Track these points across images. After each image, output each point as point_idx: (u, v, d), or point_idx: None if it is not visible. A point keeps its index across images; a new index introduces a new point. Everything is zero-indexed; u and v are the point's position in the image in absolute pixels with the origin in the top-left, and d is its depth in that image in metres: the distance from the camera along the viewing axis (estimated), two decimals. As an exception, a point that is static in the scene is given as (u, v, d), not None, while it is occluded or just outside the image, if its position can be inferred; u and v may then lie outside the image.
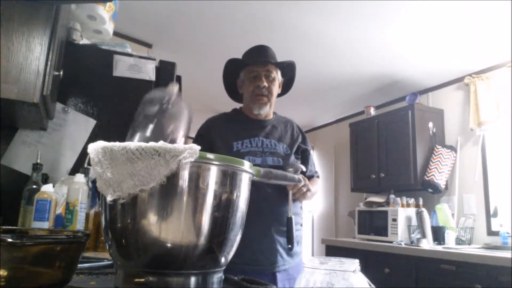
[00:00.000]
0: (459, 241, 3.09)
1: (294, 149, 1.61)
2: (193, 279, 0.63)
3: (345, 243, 3.63)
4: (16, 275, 0.51)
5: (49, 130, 1.67)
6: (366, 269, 2.98)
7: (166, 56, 2.29)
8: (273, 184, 1.37)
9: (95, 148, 0.65)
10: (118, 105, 1.79)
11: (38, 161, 1.46)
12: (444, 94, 3.68)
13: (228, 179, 0.66)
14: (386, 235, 3.32)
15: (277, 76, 1.62)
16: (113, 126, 1.76)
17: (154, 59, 1.88)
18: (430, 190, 3.37)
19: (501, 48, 2.95)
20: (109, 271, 0.78)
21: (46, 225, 1.30)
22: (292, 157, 1.57)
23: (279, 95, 1.71)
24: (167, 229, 0.61)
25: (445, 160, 3.36)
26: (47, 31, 1.26)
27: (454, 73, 3.48)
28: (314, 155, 5.22)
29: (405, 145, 3.48)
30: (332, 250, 3.77)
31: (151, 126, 0.90)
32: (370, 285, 0.67)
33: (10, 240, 0.49)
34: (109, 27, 1.93)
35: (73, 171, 1.57)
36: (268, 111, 1.63)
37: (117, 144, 0.62)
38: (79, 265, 0.74)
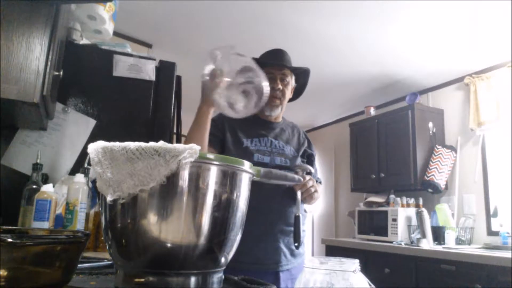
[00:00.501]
0: (459, 241, 3.09)
1: (301, 153, 1.64)
2: (193, 279, 0.63)
3: (345, 243, 3.63)
4: (16, 275, 0.51)
5: (49, 130, 1.67)
6: (366, 269, 2.99)
7: (166, 56, 2.29)
8: (275, 184, 1.38)
9: (95, 148, 0.65)
10: (118, 105, 1.80)
11: (38, 161, 1.46)
12: (444, 94, 3.69)
13: (228, 179, 0.66)
14: (386, 235, 3.32)
15: (291, 81, 1.64)
16: (113, 126, 1.76)
17: (154, 59, 1.88)
18: (430, 190, 3.37)
19: (501, 48, 2.95)
20: (109, 271, 0.78)
21: (46, 225, 1.30)
22: (299, 159, 1.61)
23: (289, 100, 1.73)
24: (167, 229, 0.61)
25: (445, 160, 3.36)
26: (47, 31, 1.27)
27: (454, 73, 3.48)
28: (314, 155, 5.21)
29: (405, 145, 3.48)
30: (332, 250, 3.77)
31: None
32: (370, 285, 0.67)
33: (10, 240, 0.49)
34: (109, 27, 1.93)
35: (73, 171, 1.57)
36: (278, 114, 1.66)
37: (117, 144, 0.62)
38: (79, 265, 0.74)
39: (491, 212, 3.11)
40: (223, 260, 0.67)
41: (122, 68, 1.80)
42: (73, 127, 1.70)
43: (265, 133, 1.61)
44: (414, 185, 3.39)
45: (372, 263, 3.17)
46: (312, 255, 4.99)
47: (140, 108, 1.83)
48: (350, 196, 4.53)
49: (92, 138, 1.68)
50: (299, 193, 1.43)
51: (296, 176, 0.94)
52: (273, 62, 1.62)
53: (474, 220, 3.19)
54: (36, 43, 1.24)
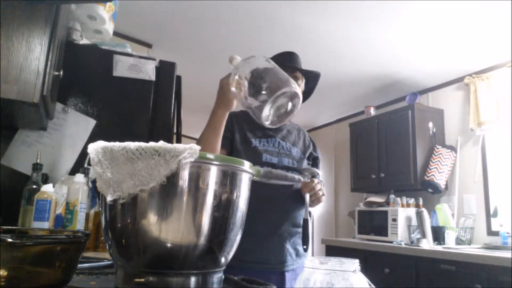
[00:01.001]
0: (459, 241, 3.09)
1: (307, 155, 1.65)
2: (193, 279, 0.63)
3: (345, 243, 3.63)
4: (16, 275, 0.51)
5: (49, 130, 1.67)
6: (366, 269, 2.99)
7: (166, 56, 2.29)
8: (282, 184, 1.39)
9: (95, 148, 0.65)
10: (118, 105, 1.80)
11: (38, 161, 1.46)
12: (444, 94, 3.68)
13: (228, 179, 0.66)
14: (386, 235, 3.32)
15: (302, 84, 1.65)
16: (113, 126, 1.76)
17: (154, 59, 1.88)
18: (430, 190, 3.37)
19: (501, 48, 2.95)
20: (109, 271, 0.78)
21: (46, 225, 1.30)
22: (305, 161, 1.62)
23: None
24: (167, 229, 0.61)
25: (445, 160, 3.36)
26: (47, 31, 1.26)
27: (454, 73, 3.48)
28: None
29: (405, 145, 3.48)
30: (332, 250, 3.77)
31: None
32: (370, 285, 0.67)
33: (10, 240, 0.49)
34: (109, 27, 1.93)
35: (73, 171, 1.57)
36: None
37: (117, 144, 0.62)
38: (79, 265, 0.74)
39: (491, 212, 3.11)
40: (223, 260, 0.67)
41: (122, 68, 1.80)
42: (73, 127, 1.70)
43: (272, 134, 1.62)
44: (414, 185, 3.39)
45: (372, 263, 3.17)
46: (312, 255, 4.99)
47: (140, 108, 1.83)
48: (350, 196, 4.53)
49: (92, 138, 1.68)
50: (307, 196, 1.44)
51: (296, 176, 0.94)
52: (286, 64, 1.61)
53: (474, 220, 3.19)
54: (36, 43, 1.24)
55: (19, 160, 1.60)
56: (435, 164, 3.35)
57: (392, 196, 3.49)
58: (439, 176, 3.32)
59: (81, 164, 1.55)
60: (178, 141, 2.20)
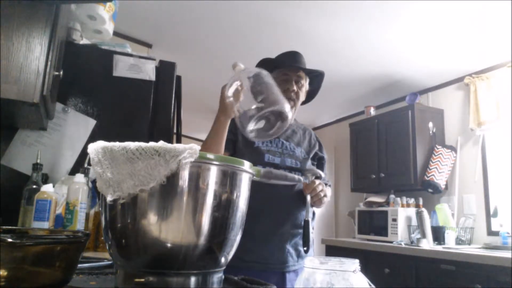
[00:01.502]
0: (459, 241, 3.09)
1: (311, 155, 1.64)
2: (193, 279, 0.63)
3: (345, 243, 3.63)
4: (16, 275, 0.51)
5: (49, 130, 1.67)
6: (366, 269, 2.98)
7: (166, 56, 2.29)
8: (284, 185, 1.39)
9: (95, 148, 0.65)
10: (118, 105, 1.80)
11: (38, 161, 1.46)
12: (444, 94, 3.68)
13: (228, 179, 0.66)
14: (386, 235, 3.32)
15: (306, 84, 1.64)
16: (113, 126, 1.76)
17: (154, 59, 1.88)
18: (430, 190, 3.37)
19: (501, 48, 2.95)
20: (109, 271, 0.78)
21: (46, 225, 1.30)
22: (309, 162, 1.61)
23: (302, 103, 1.73)
24: (167, 229, 0.61)
25: (445, 160, 3.36)
26: (47, 31, 1.27)
27: (454, 73, 3.48)
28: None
29: (405, 145, 3.48)
30: (332, 250, 3.77)
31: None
32: (370, 285, 0.67)
33: (10, 240, 0.49)
34: (109, 27, 1.93)
35: (73, 171, 1.57)
36: (293, 115, 1.65)
37: (117, 144, 0.62)
38: (79, 265, 0.74)
39: (491, 212, 3.11)
40: (223, 260, 0.67)
41: (122, 68, 1.80)
42: (73, 127, 1.70)
43: None
44: (414, 185, 3.39)
45: (372, 263, 3.17)
46: (312, 255, 4.99)
47: (140, 108, 1.83)
48: (350, 196, 4.53)
49: (92, 138, 1.68)
50: (308, 197, 1.44)
51: (296, 177, 0.94)
52: (290, 63, 1.61)
53: (474, 220, 3.19)
54: (36, 43, 1.24)
55: (19, 160, 1.60)
56: (435, 164, 3.35)
57: (392, 196, 3.49)
58: (439, 176, 3.32)
59: (81, 164, 1.55)
60: (178, 141, 2.20)
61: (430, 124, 3.54)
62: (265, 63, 1.66)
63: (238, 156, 1.48)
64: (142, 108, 1.83)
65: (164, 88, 1.90)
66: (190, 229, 0.62)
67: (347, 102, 4.44)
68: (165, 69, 1.92)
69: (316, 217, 5.19)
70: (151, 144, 0.60)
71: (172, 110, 1.93)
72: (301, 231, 1.50)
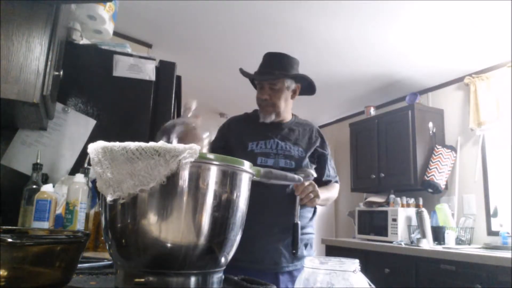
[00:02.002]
0: (459, 241, 3.09)
1: (310, 153, 1.61)
2: (193, 279, 0.63)
3: (345, 243, 3.63)
4: (16, 275, 0.51)
5: (49, 130, 1.67)
6: (366, 269, 2.98)
7: (166, 56, 2.29)
8: (280, 184, 1.38)
9: (95, 148, 0.65)
10: (118, 105, 1.80)
11: (38, 161, 1.46)
12: (444, 94, 3.68)
13: (228, 179, 0.66)
14: (386, 235, 3.32)
15: (285, 85, 1.60)
16: (113, 126, 1.76)
17: (154, 59, 1.88)
18: (430, 190, 3.37)
19: (501, 48, 2.95)
20: (109, 271, 0.78)
21: (46, 225, 1.30)
22: (306, 160, 1.58)
23: (305, 94, 1.71)
24: (167, 229, 0.61)
25: (445, 160, 3.36)
26: (47, 31, 1.27)
27: (454, 73, 3.48)
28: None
29: (405, 145, 3.48)
30: (332, 250, 3.77)
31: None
32: (370, 285, 0.67)
33: (10, 240, 0.49)
34: (109, 27, 1.93)
35: (73, 171, 1.57)
36: (275, 119, 1.63)
37: (117, 144, 0.62)
38: (79, 265, 0.74)
39: (491, 212, 3.11)
40: (223, 260, 0.67)
41: (122, 68, 1.80)
42: (73, 127, 1.70)
43: (271, 134, 1.60)
44: (414, 185, 3.39)
45: (372, 263, 3.17)
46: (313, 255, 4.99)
47: (140, 108, 1.83)
48: (350, 196, 4.53)
49: (92, 138, 1.68)
50: (298, 198, 1.43)
51: (296, 176, 0.94)
52: (257, 73, 1.61)
53: (474, 220, 3.19)
54: (36, 43, 1.24)
55: (19, 160, 1.60)
56: (435, 164, 3.35)
57: (392, 196, 3.49)
58: (439, 176, 3.32)
59: (81, 164, 1.55)
60: (178, 141, 2.19)
61: (430, 124, 3.54)
62: (242, 73, 1.68)
63: None
64: (142, 108, 1.83)
65: (164, 88, 1.90)
66: (190, 229, 0.62)
67: (347, 102, 4.44)
68: (165, 69, 1.92)
69: (316, 217, 5.19)
70: (151, 144, 0.60)
71: (172, 110, 1.92)
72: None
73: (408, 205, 3.38)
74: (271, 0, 2.52)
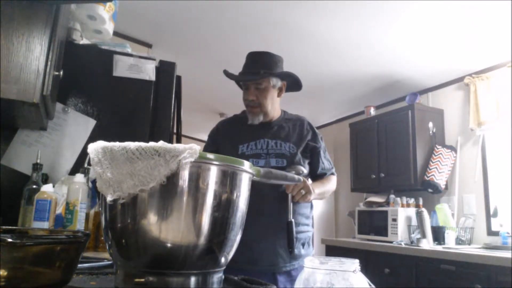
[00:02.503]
0: (459, 241, 3.09)
1: (302, 148, 1.60)
2: (193, 279, 0.63)
3: (345, 243, 3.63)
4: (16, 275, 0.51)
5: (49, 130, 1.67)
6: (366, 269, 2.96)
7: (166, 56, 2.29)
8: (273, 184, 1.37)
9: (95, 148, 0.65)
10: (118, 105, 1.80)
11: (38, 161, 1.46)
12: (444, 94, 3.68)
13: (228, 179, 0.66)
14: (386, 235, 3.32)
15: (270, 84, 1.59)
16: (113, 126, 1.76)
17: (154, 59, 1.88)
18: (430, 190, 3.37)
19: (501, 48, 2.95)
20: (109, 271, 0.78)
21: (46, 225, 1.30)
22: (298, 156, 1.56)
23: (292, 91, 1.69)
24: (167, 229, 0.61)
25: (445, 160, 3.36)
26: (47, 31, 1.26)
27: (454, 73, 3.48)
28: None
29: (405, 145, 3.48)
30: (332, 250, 3.77)
31: None
32: (370, 285, 0.67)
33: (10, 240, 0.49)
34: (109, 27, 1.93)
35: (73, 171, 1.57)
36: (263, 120, 1.62)
37: (117, 144, 0.62)
38: (79, 265, 0.74)
39: (491, 212, 3.11)
40: (223, 260, 0.67)
41: (122, 68, 1.80)
42: (73, 127, 1.70)
43: (261, 134, 1.59)
44: (414, 185, 3.39)
45: (372, 263, 3.17)
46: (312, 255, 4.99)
47: (140, 108, 1.83)
48: (350, 196, 4.53)
49: (92, 138, 1.68)
50: (289, 196, 1.42)
51: (296, 176, 0.94)
52: (241, 73, 1.59)
53: (474, 220, 3.19)
54: (36, 43, 1.24)
55: (19, 160, 1.60)
56: (435, 164, 3.35)
57: (392, 196, 3.49)
58: (439, 176, 3.32)
59: (81, 164, 1.55)
60: (178, 141, 2.20)
61: (430, 124, 3.54)
62: (226, 74, 1.66)
63: None
64: (142, 108, 1.83)
65: (164, 88, 1.90)
66: (190, 229, 0.62)
67: (347, 102, 4.44)
68: (165, 69, 1.92)
69: (316, 217, 5.21)
70: (151, 144, 0.60)
71: (172, 110, 1.93)
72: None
73: (408, 205, 3.38)
74: (271, 0, 2.52)
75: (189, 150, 0.59)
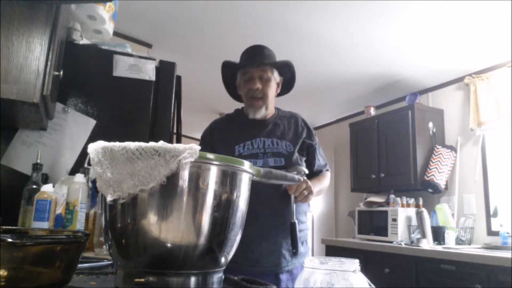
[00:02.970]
0: (459, 241, 3.09)
1: (298, 146, 1.58)
2: (193, 279, 0.63)
3: (345, 243, 3.63)
4: (16, 275, 0.51)
5: (49, 130, 1.67)
6: (366, 269, 2.96)
7: (166, 56, 2.29)
8: (274, 185, 1.37)
9: (95, 148, 0.65)
10: (118, 105, 1.80)
11: (38, 161, 1.46)
12: (444, 94, 3.68)
13: (228, 179, 0.66)
14: (386, 235, 3.32)
15: (273, 76, 1.59)
16: (113, 126, 1.76)
17: (154, 59, 1.88)
18: (430, 190, 3.37)
19: (501, 48, 2.95)
20: (109, 271, 0.78)
21: (46, 225, 1.30)
22: (296, 155, 1.55)
23: (280, 94, 1.69)
24: (167, 229, 0.61)
25: (445, 160, 3.36)
26: (47, 31, 1.27)
27: (454, 73, 3.48)
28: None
29: (405, 145, 3.48)
30: (332, 250, 3.77)
31: None
32: (370, 285, 0.67)
33: (10, 240, 0.49)
34: (109, 27, 1.93)
35: (73, 171, 1.57)
36: (264, 114, 1.61)
37: (117, 144, 0.62)
38: (79, 265, 0.74)
39: (491, 212, 3.11)
40: (223, 260, 0.67)
41: (122, 68, 1.80)
42: (73, 127, 1.70)
43: (257, 133, 1.57)
44: (414, 185, 3.39)
45: (372, 263, 3.17)
46: (312, 255, 4.99)
47: (140, 108, 1.83)
48: (350, 196, 4.53)
49: (92, 138, 1.68)
50: (292, 197, 1.41)
51: (296, 177, 0.93)
52: (249, 61, 1.57)
53: (474, 220, 3.19)
54: (36, 43, 1.24)
55: (19, 160, 1.60)
56: (435, 164, 3.35)
57: (392, 196, 3.49)
58: (439, 176, 3.32)
59: (81, 164, 1.55)
60: (178, 141, 2.20)
61: (430, 124, 3.54)
62: (227, 66, 1.64)
63: None
64: (142, 108, 1.83)
65: (164, 88, 1.90)
66: (190, 229, 0.62)
67: (347, 102, 4.44)
68: (165, 69, 1.92)
69: (316, 217, 5.21)
70: (151, 144, 0.60)
71: (172, 110, 1.92)
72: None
73: (408, 205, 3.38)
74: (271, 0, 2.52)
75: (189, 150, 0.59)
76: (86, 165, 1.46)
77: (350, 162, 4.20)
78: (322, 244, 4.03)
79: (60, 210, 1.40)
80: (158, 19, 2.85)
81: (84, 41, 1.84)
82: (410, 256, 2.85)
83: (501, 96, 3.08)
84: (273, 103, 1.65)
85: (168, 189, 0.60)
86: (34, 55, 1.23)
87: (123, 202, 0.60)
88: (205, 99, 4.58)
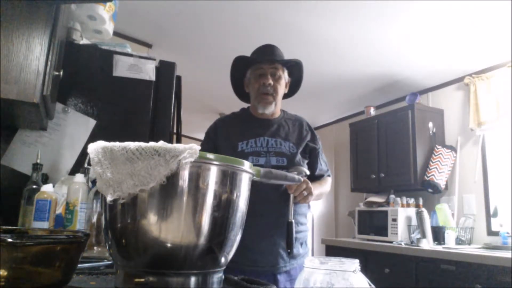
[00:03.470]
0: (459, 241, 3.09)
1: (301, 148, 1.59)
2: (193, 279, 0.63)
3: (345, 243, 3.63)
4: (16, 275, 0.51)
5: (49, 130, 1.67)
6: (366, 269, 2.97)
7: (166, 56, 2.29)
8: (274, 185, 1.37)
9: (95, 148, 0.65)
10: (118, 105, 1.79)
11: (38, 161, 1.46)
12: (444, 94, 3.68)
13: (228, 179, 0.66)
14: (386, 235, 3.32)
15: (284, 75, 1.62)
16: (113, 126, 1.76)
17: (154, 59, 1.88)
18: (430, 190, 3.37)
19: (501, 48, 2.95)
20: (109, 271, 0.78)
21: (46, 225, 1.30)
22: (298, 156, 1.56)
23: (286, 96, 1.70)
24: (167, 229, 0.61)
25: (445, 160, 3.36)
26: (47, 31, 1.26)
27: (454, 73, 3.48)
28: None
29: (405, 145, 3.48)
30: (332, 250, 3.77)
31: None
32: (370, 285, 0.67)
33: (10, 240, 0.49)
34: (109, 27, 1.93)
35: (73, 171, 1.57)
36: (273, 110, 1.62)
37: (117, 144, 0.62)
38: (79, 265, 0.74)
39: (491, 212, 3.11)
40: (223, 260, 0.67)
41: (122, 68, 1.80)
42: (73, 127, 1.70)
43: (261, 132, 1.58)
44: (414, 185, 3.39)
45: (372, 263, 3.17)
46: (312, 255, 4.99)
47: (140, 108, 1.83)
48: (350, 196, 4.53)
49: (92, 138, 1.68)
50: (291, 197, 1.41)
51: (296, 177, 0.93)
52: (263, 57, 1.59)
53: (474, 220, 3.19)
54: (36, 43, 1.24)
55: (19, 160, 1.60)
56: (435, 164, 3.35)
57: (392, 196, 3.49)
58: (439, 176, 3.32)
59: (81, 164, 1.55)
60: (178, 141, 2.20)
61: (430, 124, 3.54)
62: (240, 61, 1.65)
63: None
64: (142, 108, 1.83)
65: (164, 88, 1.90)
66: (190, 229, 0.62)
67: (347, 102, 4.44)
68: (165, 69, 1.92)
69: (316, 217, 5.21)
70: (151, 144, 0.60)
71: (172, 110, 1.92)
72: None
73: (408, 205, 3.38)
74: (271, 0, 2.52)
75: (189, 150, 0.59)
76: (86, 165, 1.46)
77: (350, 162, 4.20)
78: (322, 244, 4.03)
79: (60, 210, 1.40)
80: (158, 19, 2.85)
81: (84, 41, 1.84)
82: (410, 256, 2.85)
83: (501, 96, 3.09)
84: (280, 103, 1.66)
85: (168, 189, 0.60)
86: (34, 55, 1.23)
87: (123, 202, 0.60)
88: (205, 99, 4.58)
